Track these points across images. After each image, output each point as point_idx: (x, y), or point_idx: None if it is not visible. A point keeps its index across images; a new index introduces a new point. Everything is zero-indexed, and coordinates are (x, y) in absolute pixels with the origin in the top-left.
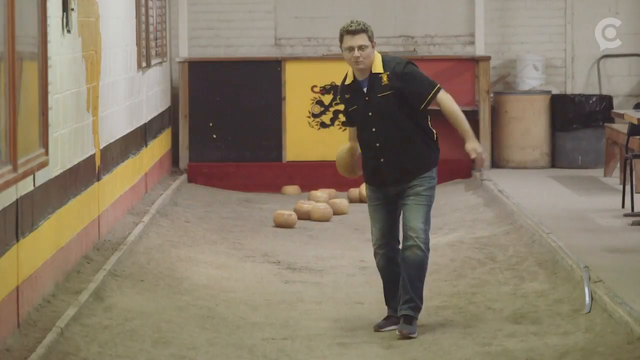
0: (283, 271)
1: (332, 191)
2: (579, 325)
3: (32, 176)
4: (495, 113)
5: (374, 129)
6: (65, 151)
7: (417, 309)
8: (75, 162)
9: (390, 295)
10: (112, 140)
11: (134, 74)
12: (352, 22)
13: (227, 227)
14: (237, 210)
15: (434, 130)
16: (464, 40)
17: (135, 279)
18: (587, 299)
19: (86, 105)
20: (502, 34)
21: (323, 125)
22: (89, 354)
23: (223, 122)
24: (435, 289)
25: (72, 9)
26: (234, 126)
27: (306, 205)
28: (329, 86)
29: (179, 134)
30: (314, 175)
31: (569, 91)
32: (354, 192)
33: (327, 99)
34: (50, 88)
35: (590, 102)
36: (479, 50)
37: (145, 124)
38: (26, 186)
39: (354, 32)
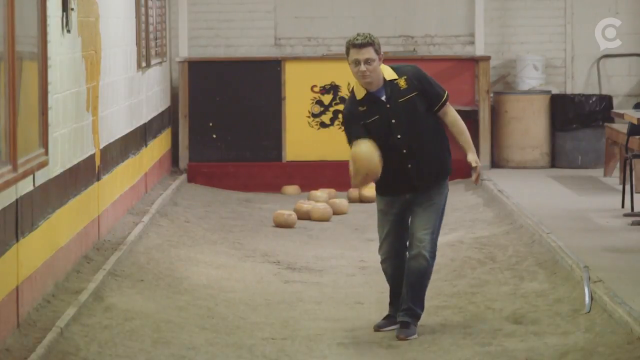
0: (283, 271)
1: (332, 191)
2: (579, 325)
3: (31, 176)
4: (495, 113)
5: (399, 136)
6: (65, 151)
7: (416, 316)
8: (75, 162)
9: (397, 298)
10: (112, 140)
11: (134, 73)
12: (358, 35)
13: (227, 227)
14: (237, 210)
15: (447, 136)
16: (464, 40)
17: (135, 279)
18: (587, 299)
19: (86, 105)
20: (502, 34)
21: (323, 125)
22: (88, 354)
23: (223, 122)
24: (435, 289)
25: (72, 9)
26: (234, 126)
27: (306, 205)
28: (329, 86)
29: (178, 133)
30: (313, 175)
31: (568, 91)
32: (354, 192)
33: (327, 99)
34: (50, 88)
35: (590, 102)
36: (479, 50)
37: (145, 123)
38: (26, 186)
39: (360, 46)
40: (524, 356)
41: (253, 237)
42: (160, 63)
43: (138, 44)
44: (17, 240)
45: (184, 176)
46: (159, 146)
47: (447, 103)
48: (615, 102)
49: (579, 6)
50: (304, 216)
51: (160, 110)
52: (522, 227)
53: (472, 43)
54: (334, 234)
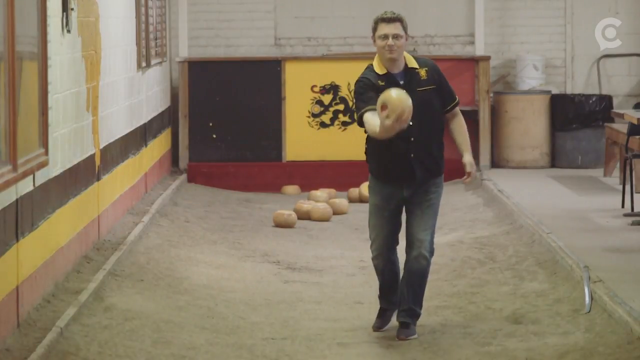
0: (283, 271)
1: (332, 191)
2: (579, 325)
3: (32, 176)
4: (495, 113)
5: (410, 123)
6: (65, 151)
7: (417, 316)
8: (75, 162)
9: (390, 291)
10: (112, 140)
11: (134, 73)
12: (386, 11)
13: (227, 227)
14: (237, 210)
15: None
16: (464, 40)
17: (135, 279)
18: (587, 299)
19: (86, 105)
20: (502, 33)
21: (323, 125)
22: (88, 354)
23: (223, 122)
24: (435, 288)
25: (72, 9)
26: (234, 126)
27: (306, 205)
28: (329, 86)
29: (178, 134)
30: (313, 175)
31: (568, 91)
32: (354, 192)
33: (327, 99)
34: (50, 88)
35: (590, 102)
36: (479, 50)
37: (145, 123)
38: (26, 186)
39: (389, 20)
40: (524, 356)
41: (253, 237)
42: (160, 63)
43: (138, 44)
44: (17, 240)
45: (184, 176)
46: (159, 146)
47: (457, 107)
48: (615, 102)
49: (579, 6)
50: (304, 216)
51: (160, 110)
52: (522, 227)
53: (472, 43)
54: (334, 234)
